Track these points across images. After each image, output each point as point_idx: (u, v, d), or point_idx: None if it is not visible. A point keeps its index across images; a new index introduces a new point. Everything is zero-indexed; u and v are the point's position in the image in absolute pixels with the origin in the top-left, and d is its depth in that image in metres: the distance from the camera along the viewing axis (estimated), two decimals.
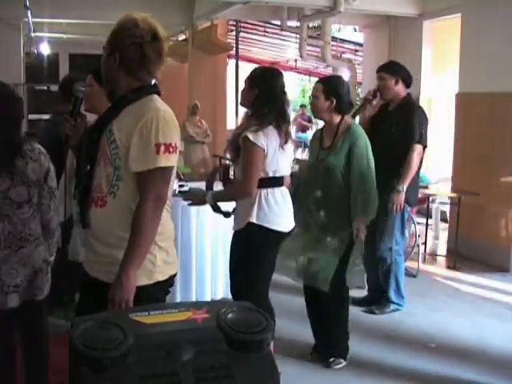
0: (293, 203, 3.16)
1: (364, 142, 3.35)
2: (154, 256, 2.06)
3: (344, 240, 3.33)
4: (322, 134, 3.52)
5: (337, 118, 3.38)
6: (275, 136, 2.92)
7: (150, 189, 1.97)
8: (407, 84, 4.27)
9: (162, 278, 2.09)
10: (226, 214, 3.20)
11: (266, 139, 2.88)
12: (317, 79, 3.74)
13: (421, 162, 4.25)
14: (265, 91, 2.95)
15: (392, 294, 4.37)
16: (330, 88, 3.34)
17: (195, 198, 3.19)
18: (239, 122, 3.20)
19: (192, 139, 9.01)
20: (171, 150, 1.99)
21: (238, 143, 2.95)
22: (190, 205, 3.27)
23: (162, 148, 1.96)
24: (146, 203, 1.97)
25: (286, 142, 2.97)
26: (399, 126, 4.11)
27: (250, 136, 2.85)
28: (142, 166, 1.98)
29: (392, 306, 4.39)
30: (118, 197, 2.04)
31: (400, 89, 4.24)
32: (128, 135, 1.99)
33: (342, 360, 3.50)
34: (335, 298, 3.40)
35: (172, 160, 2.01)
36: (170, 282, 2.16)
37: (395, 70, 4.25)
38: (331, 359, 3.49)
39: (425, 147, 4.17)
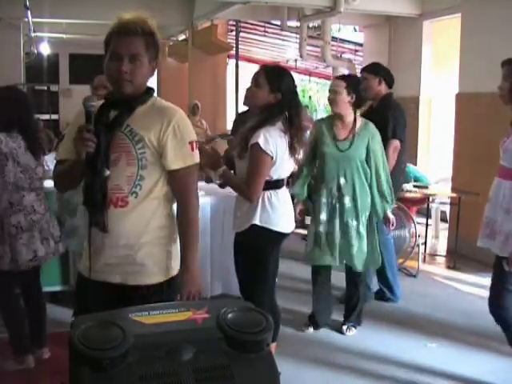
0: (293, 200, 3.16)
1: (380, 138, 3.77)
2: (170, 252, 2.11)
3: (364, 223, 3.72)
4: (332, 126, 3.74)
5: (351, 113, 3.71)
6: (285, 143, 2.89)
7: (191, 184, 2.11)
8: (389, 84, 4.45)
9: (174, 273, 2.13)
10: (221, 186, 3.22)
11: (276, 146, 2.84)
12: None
13: (399, 157, 4.32)
14: (289, 98, 2.90)
15: (389, 275, 4.54)
16: (352, 85, 3.68)
17: (211, 160, 2.92)
18: (252, 121, 3.01)
19: None
20: (197, 146, 2.15)
21: (248, 142, 2.87)
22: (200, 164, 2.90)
23: (194, 145, 2.11)
24: (191, 197, 2.10)
25: (294, 148, 2.92)
26: (376, 123, 4.17)
27: (261, 143, 2.81)
28: (181, 164, 2.06)
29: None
30: (139, 196, 2.03)
31: (382, 88, 4.41)
32: (158, 135, 2.02)
33: (354, 328, 3.97)
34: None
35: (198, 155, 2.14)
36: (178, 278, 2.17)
37: (378, 71, 4.45)
38: (345, 326, 3.95)
39: (401, 141, 4.30)
